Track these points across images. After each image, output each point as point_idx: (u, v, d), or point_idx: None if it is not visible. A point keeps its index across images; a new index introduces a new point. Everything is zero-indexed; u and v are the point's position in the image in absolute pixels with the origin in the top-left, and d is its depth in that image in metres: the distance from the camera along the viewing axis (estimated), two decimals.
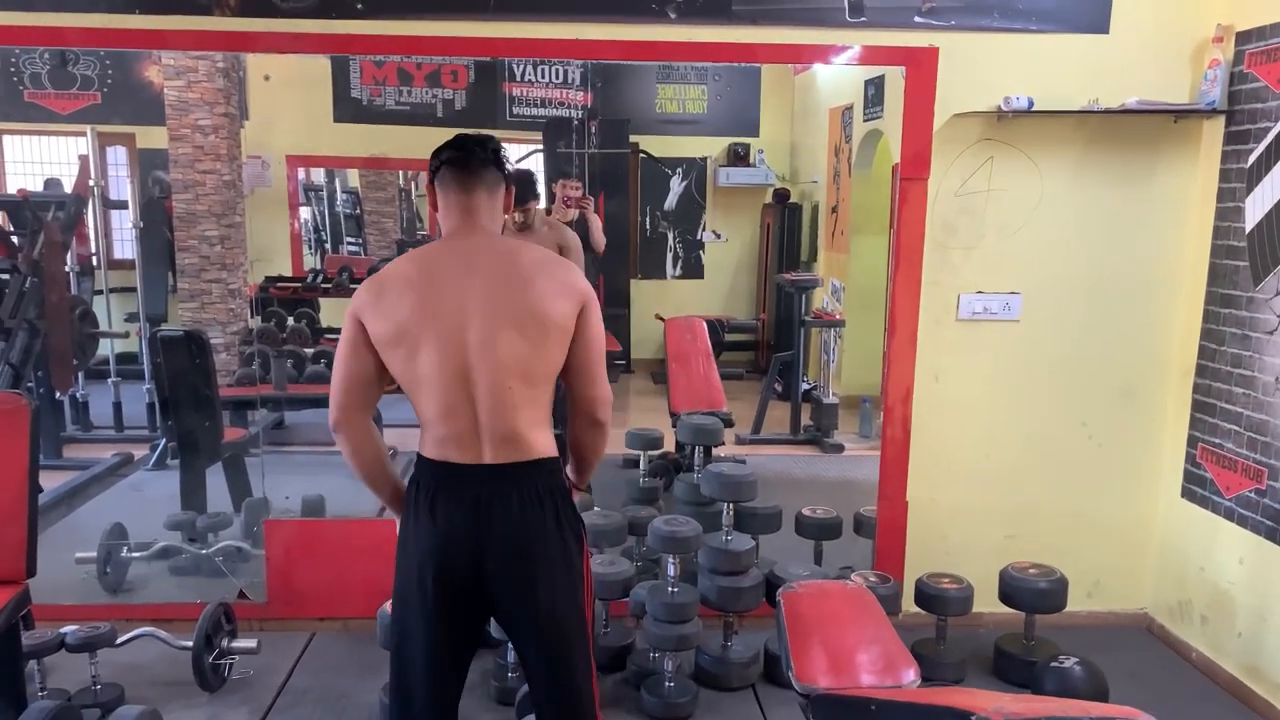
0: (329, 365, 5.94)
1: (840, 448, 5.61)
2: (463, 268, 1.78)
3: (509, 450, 1.78)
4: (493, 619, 1.94)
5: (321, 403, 6.09)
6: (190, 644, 2.89)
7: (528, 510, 1.78)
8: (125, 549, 3.63)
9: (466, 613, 1.84)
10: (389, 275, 1.82)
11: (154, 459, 4.91)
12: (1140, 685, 3.06)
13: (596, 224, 5.61)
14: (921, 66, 3.13)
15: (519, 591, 1.80)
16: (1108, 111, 3.13)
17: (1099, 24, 3.16)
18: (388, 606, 2.79)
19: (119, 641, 2.88)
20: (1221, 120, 3.14)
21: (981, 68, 3.14)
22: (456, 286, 1.76)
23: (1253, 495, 2.98)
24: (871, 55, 3.17)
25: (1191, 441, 3.28)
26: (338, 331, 6.64)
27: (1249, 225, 3.01)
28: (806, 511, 3.59)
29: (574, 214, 5.38)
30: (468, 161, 1.87)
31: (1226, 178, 3.14)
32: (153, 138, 6.23)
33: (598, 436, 1.94)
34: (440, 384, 1.76)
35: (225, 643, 3.00)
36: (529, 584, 1.80)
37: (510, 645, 2.92)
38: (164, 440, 4.80)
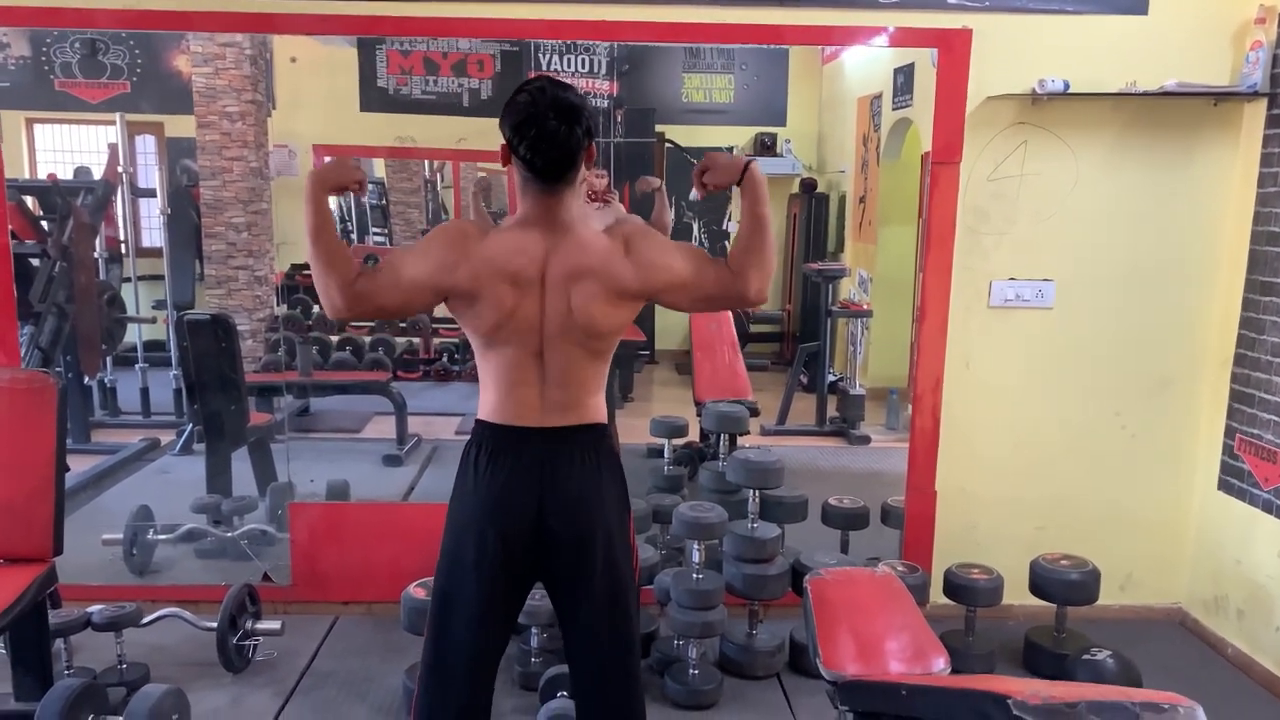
0: (354, 352, 6.00)
1: (867, 439, 5.55)
2: (540, 261, 1.76)
3: (568, 415, 1.82)
4: (543, 584, 1.92)
5: (347, 390, 6.11)
6: (215, 625, 2.91)
7: (586, 469, 1.82)
8: (151, 531, 3.66)
9: (521, 573, 1.86)
10: (475, 242, 1.76)
11: (180, 443, 4.94)
12: (1174, 680, 2.99)
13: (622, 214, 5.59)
14: (954, 48, 3.08)
15: (579, 548, 1.81)
16: (1145, 94, 3.06)
17: (1137, 4, 3.09)
18: (412, 589, 2.81)
19: (144, 621, 2.90)
20: (1264, 103, 3.06)
21: (1016, 49, 3.08)
22: (538, 279, 1.76)
23: None
24: (903, 37, 3.12)
25: (1229, 432, 3.21)
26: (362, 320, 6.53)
27: None
28: (833, 501, 3.55)
29: (598, 206, 5.35)
30: (560, 172, 1.74)
31: (1268, 162, 3.06)
32: (181, 126, 6.26)
33: (759, 276, 1.80)
34: (515, 363, 1.79)
35: (249, 624, 3.02)
36: (589, 541, 1.81)
37: (534, 630, 2.92)
38: (190, 425, 4.84)
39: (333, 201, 6.86)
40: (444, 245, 1.77)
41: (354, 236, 7.24)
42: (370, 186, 7.59)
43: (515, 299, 1.75)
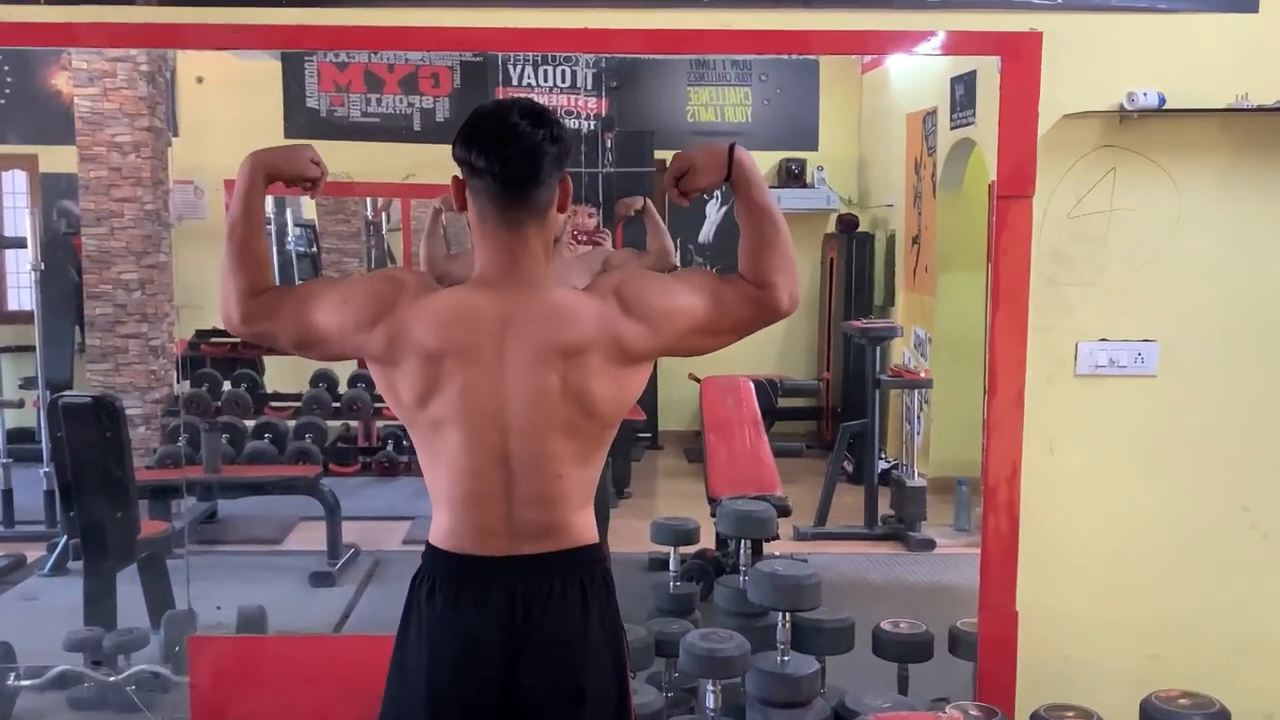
0: (274, 441, 6.02)
1: (930, 544, 5.55)
2: (495, 331, 1.77)
3: (547, 540, 1.81)
4: None
5: (265, 489, 6.13)
6: None
7: (570, 610, 1.80)
8: (13, 675, 3.63)
9: None
10: (408, 300, 1.79)
11: (51, 561, 4.92)
12: None
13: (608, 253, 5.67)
14: (1021, 56, 3.16)
15: (562, 710, 1.80)
16: (1261, 110, 3.14)
17: (1245, 0, 3.19)
18: None
19: None
20: None
21: (1098, 56, 3.17)
22: (494, 356, 1.76)
23: None
24: (957, 43, 3.21)
25: None
26: (285, 398, 6.75)
27: None
28: (887, 626, 3.54)
29: (586, 250, 5.44)
30: (523, 180, 1.77)
31: None
32: (59, 159, 6.41)
33: (785, 277, 1.85)
34: (470, 469, 1.79)
35: None
36: (575, 702, 1.80)
37: None
38: (64, 537, 4.83)
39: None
40: (367, 297, 1.80)
41: None
42: (297, 230, 7.71)
43: (444, 379, 1.75)
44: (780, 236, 1.85)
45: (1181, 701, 3.08)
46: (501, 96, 1.59)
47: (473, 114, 1.82)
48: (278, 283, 1.91)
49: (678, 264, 4.64)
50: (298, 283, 7.31)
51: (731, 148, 1.84)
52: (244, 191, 1.86)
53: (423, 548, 1.88)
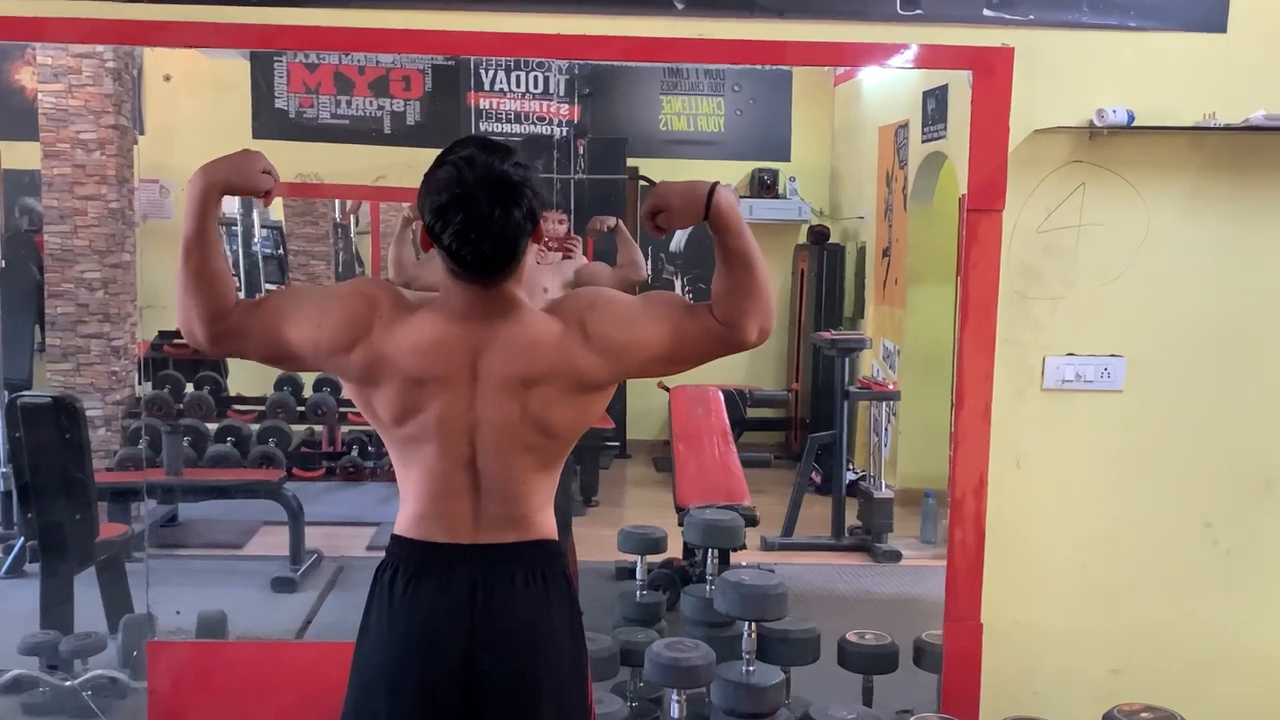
0: (237, 444, 5.98)
1: (896, 555, 5.58)
2: (466, 361, 1.81)
3: (509, 530, 1.85)
4: None
5: (227, 492, 6.10)
6: None
7: (531, 598, 1.83)
8: None
9: None
10: (384, 320, 1.81)
11: (8, 563, 4.88)
12: None
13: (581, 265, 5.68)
14: (993, 71, 3.20)
15: (521, 695, 1.82)
16: (1228, 128, 3.18)
17: (1214, 20, 3.23)
18: None
19: None
20: None
21: (1068, 73, 3.21)
22: (467, 383, 1.81)
23: None
24: (930, 57, 3.24)
25: None
26: (249, 400, 6.71)
27: None
28: (852, 637, 3.56)
29: (555, 259, 5.44)
30: (495, 269, 1.76)
31: None
32: (21, 156, 6.33)
33: (757, 311, 1.83)
34: (439, 472, 1.84)
35: None
36: (534, 685, 1.82)
37: None
38: (22, 539, 4.78)
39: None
40: (343, 321, 1.80)
41: (242, 294, 7.27)
42: (264, 231, 7.66)
43: (423, 401, 1.80)
44: (756, 282, 1.81)
45: (1144, 715, 3.09)
46: (469, 138, 1.55)
47: (437, 175, 1.74)
48: (242, 292, 1.91)
49: (648, 276, 4.67)
50: (264, 287, 7.29)
51: (712, 190, 1.79)
52: (197, 212, 1.81)
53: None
